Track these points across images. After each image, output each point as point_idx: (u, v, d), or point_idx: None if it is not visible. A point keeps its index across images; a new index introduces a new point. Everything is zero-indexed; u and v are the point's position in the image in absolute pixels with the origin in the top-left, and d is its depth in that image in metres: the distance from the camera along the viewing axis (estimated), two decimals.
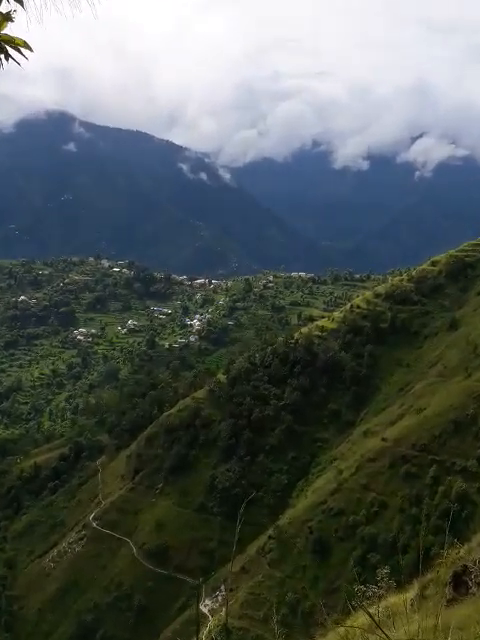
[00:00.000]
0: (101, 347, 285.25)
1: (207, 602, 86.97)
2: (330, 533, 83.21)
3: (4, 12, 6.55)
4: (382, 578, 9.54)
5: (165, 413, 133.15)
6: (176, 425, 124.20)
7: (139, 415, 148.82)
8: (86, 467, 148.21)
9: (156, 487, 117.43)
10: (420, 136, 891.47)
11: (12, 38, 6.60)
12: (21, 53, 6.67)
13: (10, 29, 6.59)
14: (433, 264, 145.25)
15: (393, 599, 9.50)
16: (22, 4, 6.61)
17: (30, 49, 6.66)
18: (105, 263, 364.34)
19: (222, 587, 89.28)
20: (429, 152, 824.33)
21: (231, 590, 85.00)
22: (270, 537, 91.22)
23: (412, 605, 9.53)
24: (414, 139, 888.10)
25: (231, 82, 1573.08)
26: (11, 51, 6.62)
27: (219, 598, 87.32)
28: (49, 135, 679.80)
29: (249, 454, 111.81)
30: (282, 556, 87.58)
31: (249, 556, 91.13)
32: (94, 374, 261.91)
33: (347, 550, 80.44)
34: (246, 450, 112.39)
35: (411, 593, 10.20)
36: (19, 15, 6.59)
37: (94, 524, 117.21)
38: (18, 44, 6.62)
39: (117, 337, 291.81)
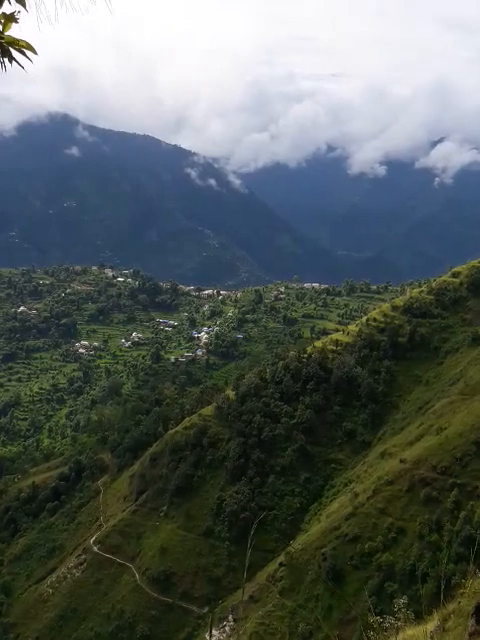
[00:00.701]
0: (104, 361, 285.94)
1: (214, 633, 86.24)
2: (345, 560, 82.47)
3: (8, 13, 6.65)
4: (400, 609, 9.46)
5: (170, 431, 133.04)
6: (182, 444, 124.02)
7: (143, 433, 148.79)
8: (87, 488, 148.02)
9: (160, 509, 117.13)
10: (440, 140, 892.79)
11: (16, 40, 6.69)
12: (25, 55, 6.76)
13: (15, 30, 6.69)
14: (454, 275, 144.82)
15: (411, 631, 9.41)
16: (24, 5, 6.71)
17: (34, 52, 6.76)
18: (108, 272, 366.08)
19: (230, 617, 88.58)
20: (450, 157, 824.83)
21: (239, 620, 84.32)
22: (281, 564, 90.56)
23: (432, 638, 9.43)
24: (434, 143, 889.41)
25: (242, 83, 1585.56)
26: (15, 53, 6.71)
27: (227, 628, 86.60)
28: (51, 138, 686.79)
29: (259, 475, 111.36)
30: (294, 584, 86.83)
31: (259, 584, 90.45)
32: (96, 389, 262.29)
33: (363, 579, 79.64)
34: (256, 471, 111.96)
35: (431, 625, 10.09)
36: (29, 14, 6.71)
37: (95, 548, 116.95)
38: (22, 46, 6.71)
39: (120, 350, 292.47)
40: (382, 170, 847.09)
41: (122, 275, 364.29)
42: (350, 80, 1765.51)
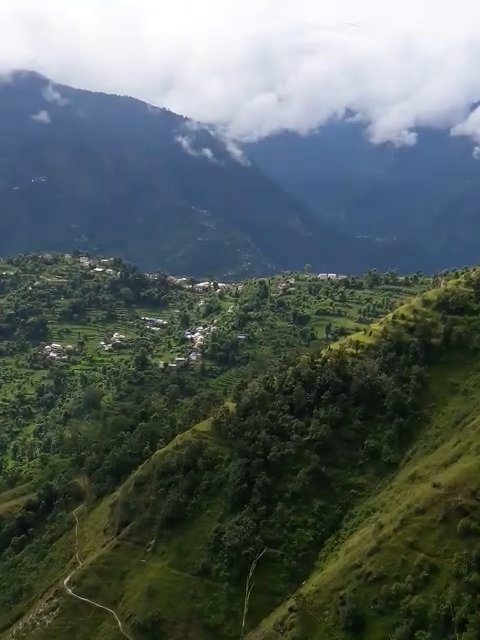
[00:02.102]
0: (79, 367, 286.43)
1: None
2: (367, 604, 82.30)
3: None
4: None
5: (159, 451, 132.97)
6: (173, 466, 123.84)
7: (126, 453, 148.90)
8: (60, 518, 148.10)
9: (147, 544, 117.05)
10: None
11: None
12: None
13: None
14: None
15: None
16: None
17: None
18: (85, 261, 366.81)
19: None
20: None
21: None
22: (291, 609, 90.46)
23: None
24: (473, 106, 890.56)
25: (243, 35, 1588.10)
26: None
27: None
28: (16, 102, 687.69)
29: (265, 503, 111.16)
30: (306, 633, 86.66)
31: (265, 633, 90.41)
32: (70, 401, 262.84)
33: (389, 626, 79.36)
34: (261, 498, 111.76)
35: None
36: None
37: (69, 590, 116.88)
38: None
39: (99, 354, 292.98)
40: (411, 138, 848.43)
41: (101, 265, 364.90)
42: (372, 31, 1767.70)
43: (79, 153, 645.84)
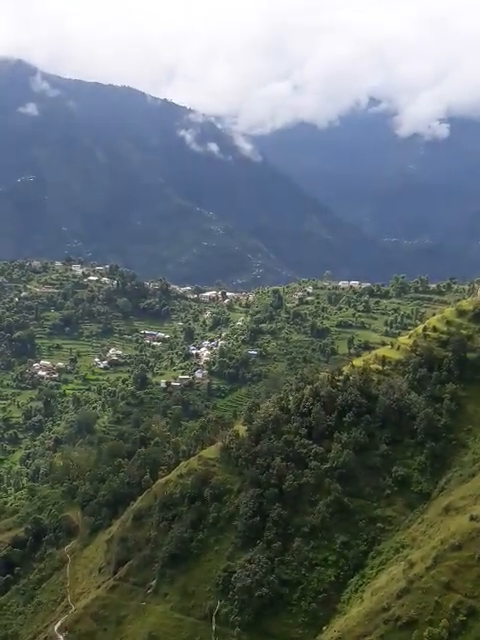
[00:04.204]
0: (71, 386, 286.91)
1: None
2: None
3: None
4: None
5: (160, 480, 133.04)
6: (176, 497, 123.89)
7: (124, 483, 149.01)
8: (49, 556, 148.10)
9: (148, 585, 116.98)
10: None
11: None
12: None
13: None
14: None
15: None
16: None
17: None
18: (77, 269, 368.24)
19: None
20: None
21: None
22: None
23: None
24: None
25: (253, 16, 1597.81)
26: None
27: None
28: (1, 93, 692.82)
29: (280, 538, 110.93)
30: None
31: None
32: (61, 424, 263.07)
33: None
34: (276, 533, 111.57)
35: None
36: None
37: (61, 637, 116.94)
38: None
39: (94, 372, 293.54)
40: (443, 129, 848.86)
41: (96, 273, 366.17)
42: (399, 8, 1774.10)
43: (71, 149, 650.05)
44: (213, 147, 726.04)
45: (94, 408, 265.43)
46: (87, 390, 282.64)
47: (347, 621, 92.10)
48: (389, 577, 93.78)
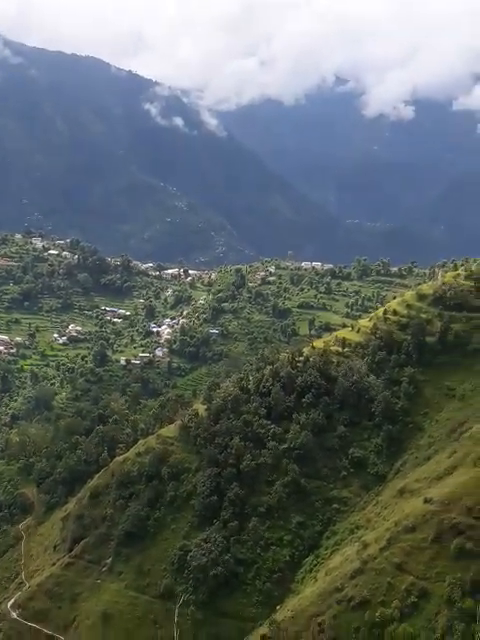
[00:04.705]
0: (29, 362, 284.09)
1: None
2: (349, 632, 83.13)
3: None
4: None
5: (118, 458, 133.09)
6: (133, 475, 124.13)
7: (81, 460, 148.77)
8: (4, 533, 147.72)
9: (103, 563, 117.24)
10: None
11: None
12: None
13: None
14: None
15: None
16: None
17: None
18: (37, 243, 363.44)
19: None
20: None
21: None
22: (264, 637, 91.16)
23: None
24: (478, 77, 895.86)
25: None
26: None
27: None
28: None
29: (236, 518, 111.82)
30: None
31: None
32: (18, 400, 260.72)
33: None
34: (232, 512, 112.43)
35: None
36: None
37: (14, 614, 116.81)
38: None
39: (52, 348, 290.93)
40: (409, 111, 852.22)
41: (56, 247, 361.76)
42: None
43: (32, 119, 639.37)
44: (178, 121, 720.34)
45: (52, 384, 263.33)
46: (45, 366, 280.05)
47: (301, 601, 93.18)
48: (343, 558, 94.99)
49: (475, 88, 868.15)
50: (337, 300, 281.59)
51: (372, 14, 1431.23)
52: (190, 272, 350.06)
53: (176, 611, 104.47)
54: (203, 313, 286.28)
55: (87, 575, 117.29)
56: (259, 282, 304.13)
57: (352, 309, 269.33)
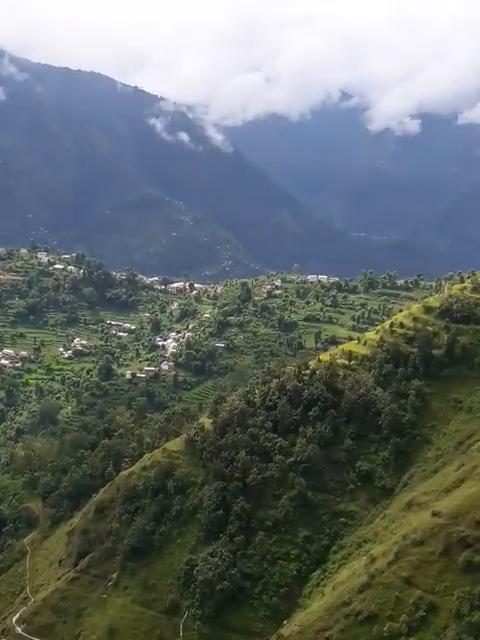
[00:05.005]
0: (34, 376, 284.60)
1: None
2: None
3: None
4: None
5: (124, 472, 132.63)
6: (139, 489, 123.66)
7: (87, 474, 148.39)
8: (9, 547, 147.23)
9: (109, 577, 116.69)
10: None
11: None
12: None
13: None
14: None
15: None
16: None
17: None
18: (43, 257, 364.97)
19: None
20: None
21: None
22: None
23: None
24: None
25: (226, 5, 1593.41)
26: None
27: None
28: None
29: (243, 532, 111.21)
30: None
31: None
32: (23, 414, 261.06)
33: None
34: (239, 526, 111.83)
35: None
36: None
37: (19, 629, 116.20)
38: None
39: (58, 362, 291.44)
40: (414, 125, 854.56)
41: (62, 261, 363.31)
42: (373, 3, 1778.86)
43: (38, 134, 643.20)
44: (183, 136, 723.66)
45: (57, 398, 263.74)
46: (51, 380, 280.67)
47: (308, 615, 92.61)
48: (351, 572, 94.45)
49: None
50: (343, 313, 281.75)
51: (377, 30, 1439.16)
52: (196, 286, 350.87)
53: (181, 625, 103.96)
54: (209, 327, 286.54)
55: (92, 590, 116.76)
56: (265, 295, 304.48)
57: (358, 322, 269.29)
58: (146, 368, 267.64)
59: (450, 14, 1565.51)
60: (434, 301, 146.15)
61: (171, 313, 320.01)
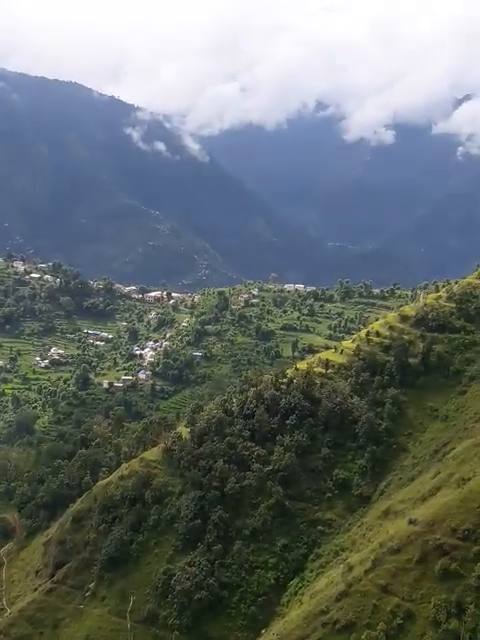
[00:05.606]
0: (10, 385, 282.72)
1: None
2: None
3: None
4: None
5: (101, 482, 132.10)
6: (117, 499, 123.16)
7: (63, 484, 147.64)
8: None
9: (86, 588, 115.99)
10: (467, 98, 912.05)
11: None
12: None
13: None
14: None
15: None
16: None
17: None
18: (19, 266, 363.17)
19: None
20: (478, 121, 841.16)
21: None
22: None
23: None
24: (458, 102, 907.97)
25: (203, 15, 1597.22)
26: None
27: None
28: None
29: (221, 541, 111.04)
30: None
31: None
32: None
33: None
34: (217, 536, 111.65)
35: None
36: None
37: None
38: None
39: (34, 371, 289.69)
40: (389, 136, 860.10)
41: (38, 270, 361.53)
42: (349, 14, 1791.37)
43: (14, 143, 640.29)
44: (160, 146, 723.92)
45: (34, 408, 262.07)
46: (27, 389, 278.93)
47: (286, 624, 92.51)
48: (328, 580, 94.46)
49: (454, 112, 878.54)
50: (320, 322, 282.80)
51: (353, 40, 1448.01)
52: (173, 295, 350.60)
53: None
54: (186, 336, 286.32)
55: (69, 600, 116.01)
56: (242, 304, 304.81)
57: (335, 331, 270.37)
58: (123, 377, 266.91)
59: (425, 26, 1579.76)
60: (410, 310, 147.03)
61: (148, 322, 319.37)
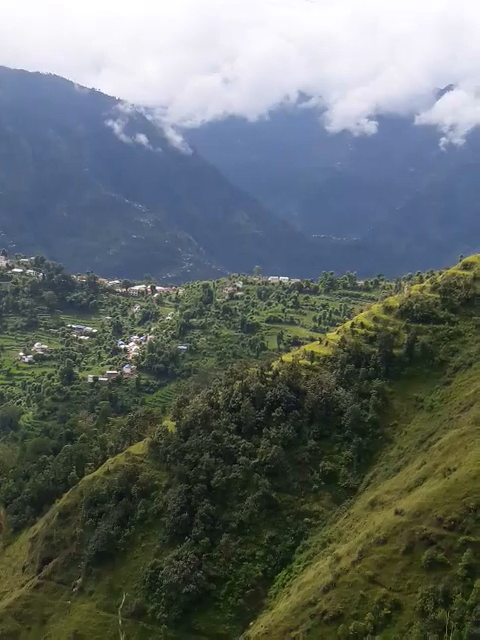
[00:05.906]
0: None
1: None
2: None
3: None
4: None
5: (87, 476, 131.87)
6: (103, 494, 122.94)
7: (49, 479, 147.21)
8: None
9: (73, 583, 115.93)
10: (448, 89, 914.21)
11: None
12: None
13: None
14: (466, 266, 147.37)
15: None
16: None
17: None
18: (1, 261, 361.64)
19: None
20: (460, 111, 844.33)
21: None
22: None
23: None
24: (440, 93, 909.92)
25: (184, 7, 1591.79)
26: None
27: None
28: None
29: (208, 534, 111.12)
30: None
31: None
32: None
33: None
34: (204, 529, 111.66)
35: None
36: None
37: None
38: None
39: (18, 367, 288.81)
40: (372, 126, 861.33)
41: (20, 264, 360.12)
42: (332, 6, 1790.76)
43: None
44: (142, 138, 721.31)
45: (18, 403, 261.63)
46: (11, 385, 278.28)
47: (274, 616, 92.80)
48: (316, 572, 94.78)
49: (437, 103, 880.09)
50: (305, 314, 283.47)
51: (334, 32, 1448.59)
52: (157, 288, 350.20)
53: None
54: (171, 329, 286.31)
55: (57, 596, 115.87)
56: (227, 297, 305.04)
57: (320, 323, 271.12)
58: (108, 372, 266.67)
59: (406, 17, 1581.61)
60: (394, 301, 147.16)
61: (133, 316, 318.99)
